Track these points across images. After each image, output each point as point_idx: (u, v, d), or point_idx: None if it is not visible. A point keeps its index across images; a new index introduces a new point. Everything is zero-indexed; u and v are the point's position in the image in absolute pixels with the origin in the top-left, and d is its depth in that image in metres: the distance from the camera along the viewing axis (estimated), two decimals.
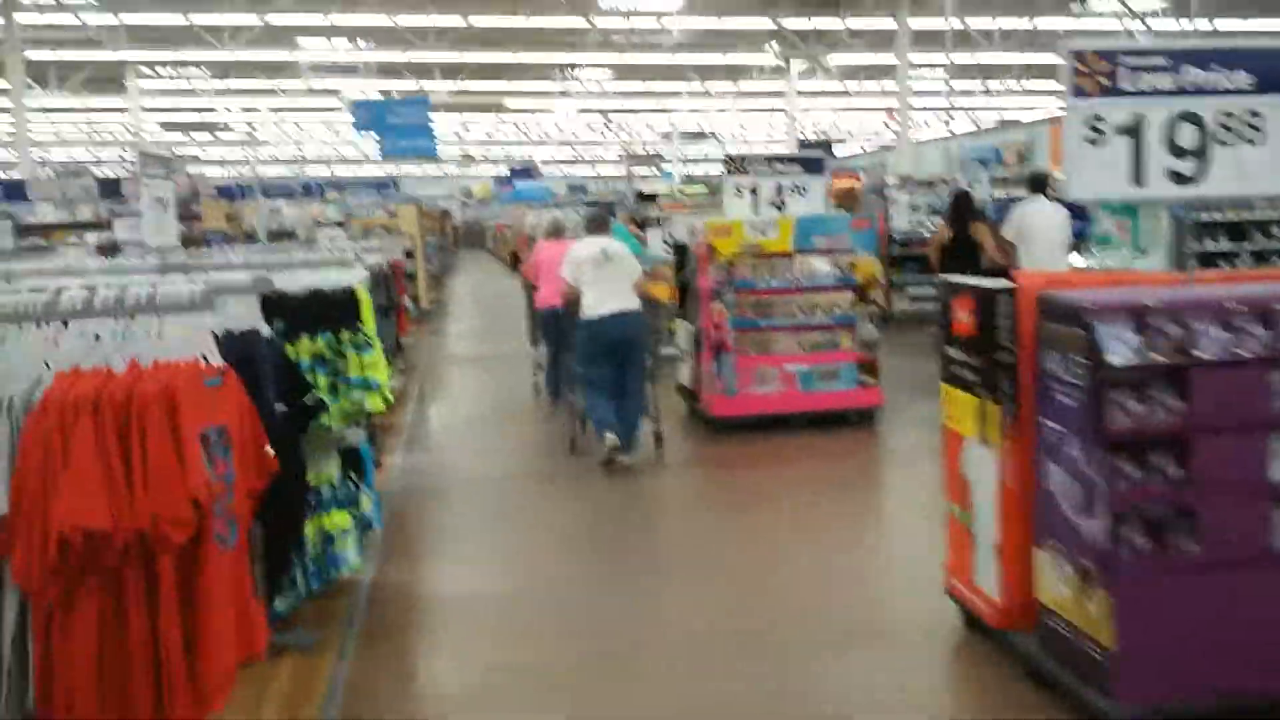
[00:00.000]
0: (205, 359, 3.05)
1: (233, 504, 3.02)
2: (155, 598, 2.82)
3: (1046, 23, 27.60)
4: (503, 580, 5.64)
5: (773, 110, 40.55)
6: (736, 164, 9.10)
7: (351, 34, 28.72)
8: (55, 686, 2.76)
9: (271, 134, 42.90)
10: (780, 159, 9.21)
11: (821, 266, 8.80)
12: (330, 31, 27.92)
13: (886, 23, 26.60)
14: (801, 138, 34.29)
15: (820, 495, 7.07)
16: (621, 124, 44.79)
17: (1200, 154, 3.95)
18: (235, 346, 3.42)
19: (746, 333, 8.67)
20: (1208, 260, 11.42)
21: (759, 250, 8.67)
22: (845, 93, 37.28)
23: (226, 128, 40.40)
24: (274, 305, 4.15)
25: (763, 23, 28.16)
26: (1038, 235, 9.75)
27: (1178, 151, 3.94)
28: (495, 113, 41.02)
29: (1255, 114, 3.97)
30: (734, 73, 34.87)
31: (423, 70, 31.36)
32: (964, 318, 4.34)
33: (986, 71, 29.65)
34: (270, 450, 3.23)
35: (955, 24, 21.12)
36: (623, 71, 33.88)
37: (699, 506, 7.21)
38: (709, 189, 23.63)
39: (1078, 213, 13.45)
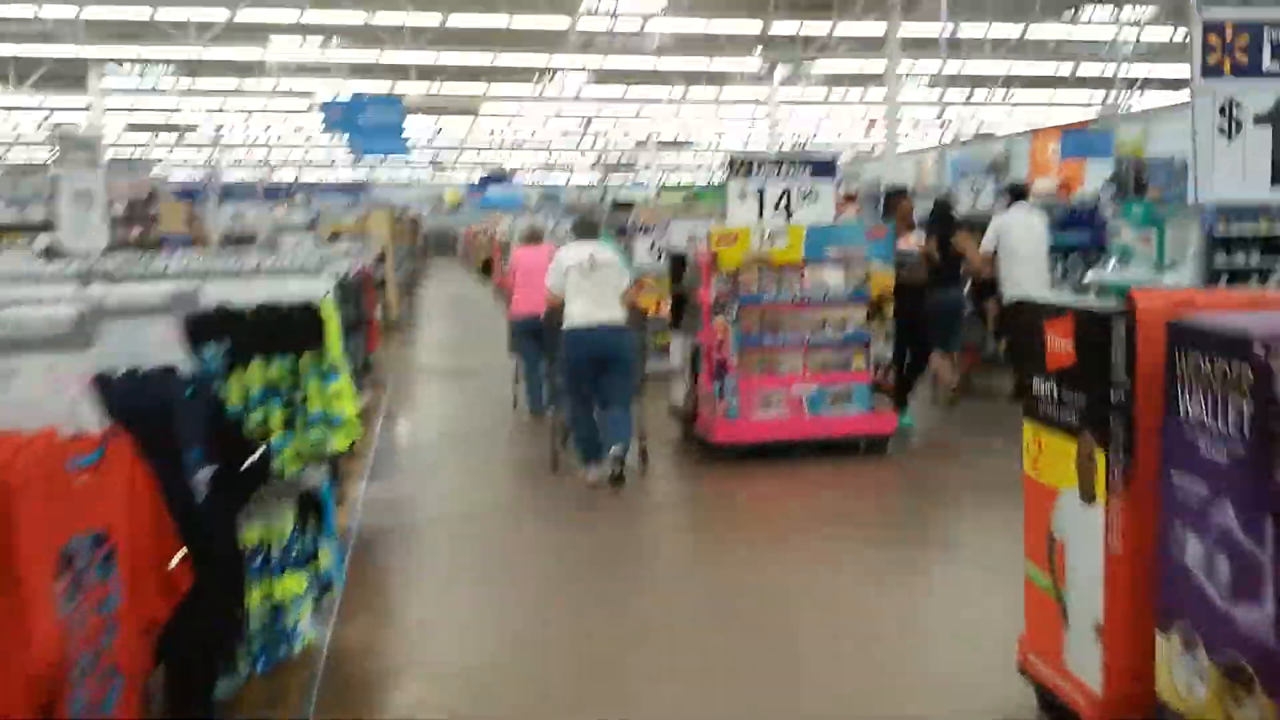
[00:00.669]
0: (75, 422, 2.05)
1: (114, 650, 2.02)
2: None
3: (1039, 31, 27.10)
4: (479, 649, 4.81)
5: (753, 119, 39.96)
6: (741, 166, 8.34)
7: (325, 33, 27.81)
8: None
9: (239, 136, 41.84)
10: (789, 160, 8.45)
11: (834, 279, 8.06)
12: (303, 30, 27.00)
13: (875, 29, 25.98)
14: (781, 146, 33.68)
15: (842, 542, 6.24)
16: (599, 130, 44.06)
17: None
18: (135, 395, 2.45)
19: (751, 351, 7.92)
20: (1239, 277, 10.73)
21: (767, 260, 7.92)
22: (828, 101, 36.73)
23: (193, 129, 39.27)
24: (215, 324, 3.33)
25: (750, 26, 27.47)
26: (1018, 246, 9.78)
27: None
28: (470, 116, 40.14)
29: None
30: (717, 78, 34.20)
31: (398, 71, 30.46)
32: (1061, 345, 3.58)
33: (975, 80, 29.10)
34: (183, 553, 2.24)
35: (949, 29, 20.48)
36: (602, 76, 33.14)
37: (703, 556, 6.31)
38: (687, 195, 23.03)
39: (1085, 222, 12.87)
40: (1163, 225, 9.80)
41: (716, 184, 33.13)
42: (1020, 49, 28.64)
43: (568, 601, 5.36)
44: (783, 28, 27.71)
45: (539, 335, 8.48)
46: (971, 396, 10.27)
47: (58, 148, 4.93)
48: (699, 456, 8.18)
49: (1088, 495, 3.50)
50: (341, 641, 4.71)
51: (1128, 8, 24.76)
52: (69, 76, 30.02)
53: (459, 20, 26.14)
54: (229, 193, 20.41)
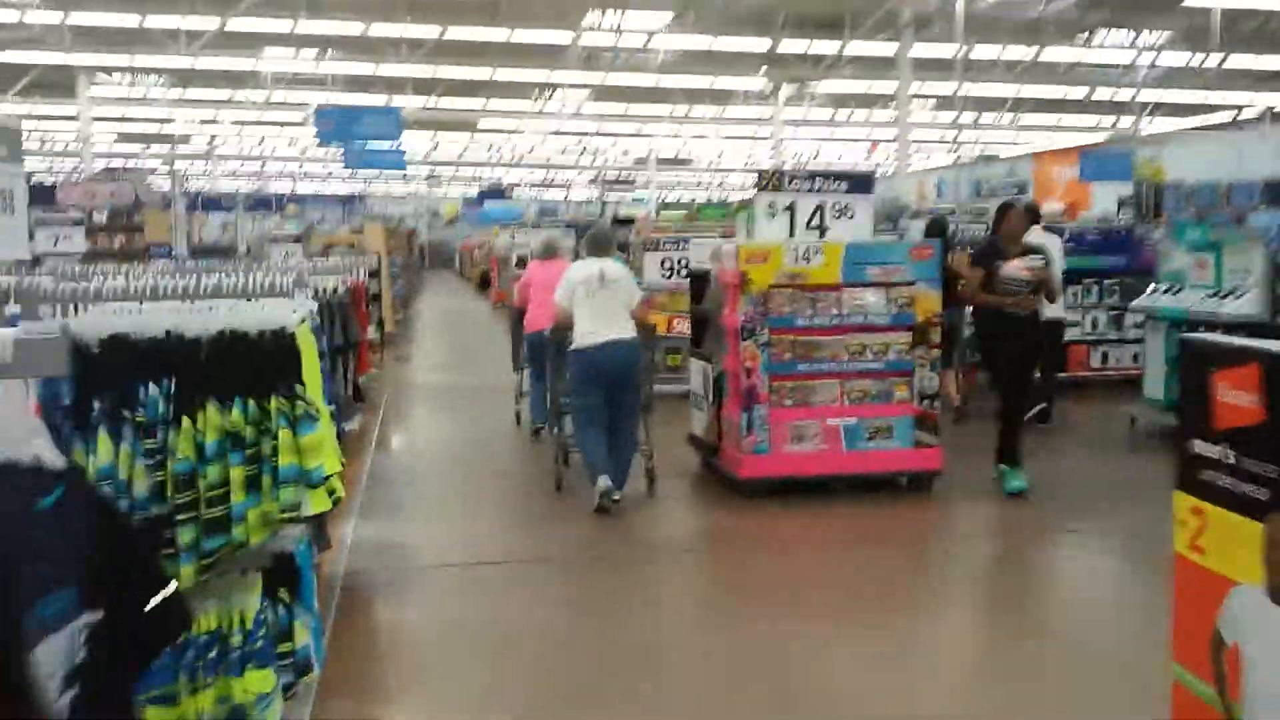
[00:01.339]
0: None
1: None
2: None
3: (1052, 54, 26.54)
4: None
5: (755, 138, 39.35)
6: (772, 179, 7.62)
7: (320, 43, 27.10)
8: None
9: (232, 147, 41.12)
10: (824, 175, 7.73)
11: (874, 302, 7.32)
12: (297, 41, 26.27)
13: (884, 49, 25.33)
14: (783, 165, 33.08)
15: (896, 604, 5.41)
16: (598, 147, 43.44)
17: None
18: None
19: (783, 379, 7.18)
20: None
21: (802, 280, 7.18)
22: (833, 122, 36.16)
23: (185, 139, 38.51)
24: (158, 357, 2.56)
25: (758, 44, 26.80)
26: None
27: None
28: (468, 131, 39.49)
29: None
30: (720, 97, 33.56)
31: (395, 84, 29.75)
32: (1240, 399, 2.81)
33: (983, 103, 28.50)
34: None
35: (963, 50, 19.85)
36: (603, 93, 32.47)
37: (734, 615, 5.37)
38: (688, 213, 22.41)
39: (1120, 244, 12.16)
40: (1220, 249, 9.09)
41: (716, 201, 32.55)
42: (1031, 71, 28.08)
43: (580, 680, 4.55)
44: (790, 46, 27.06)
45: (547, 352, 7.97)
46: (982, 418, 9.53)
47: None
48: (721, 491, 7.43)
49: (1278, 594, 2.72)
50: None
51: (1145, 32, 24.23)
52: (57, 85, 29.22)
53: (457, 33, 25.42)
54: (216, 204, 19.67)
